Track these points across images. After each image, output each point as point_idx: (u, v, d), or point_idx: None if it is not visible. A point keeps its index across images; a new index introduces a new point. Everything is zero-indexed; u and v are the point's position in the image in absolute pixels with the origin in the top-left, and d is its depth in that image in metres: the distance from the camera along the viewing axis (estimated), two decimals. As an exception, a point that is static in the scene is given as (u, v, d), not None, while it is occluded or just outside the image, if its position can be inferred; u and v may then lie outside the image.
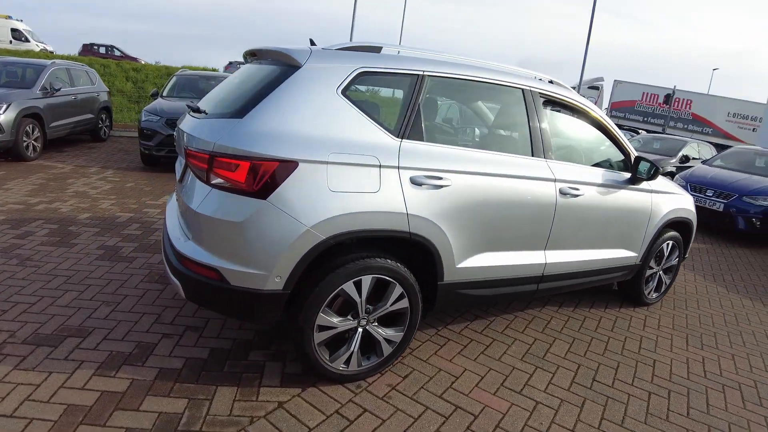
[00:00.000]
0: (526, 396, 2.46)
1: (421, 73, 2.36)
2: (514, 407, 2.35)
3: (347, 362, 2.30)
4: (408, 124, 2.29)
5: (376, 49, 2.44)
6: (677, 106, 25.55)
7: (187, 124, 2.41)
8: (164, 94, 7.74)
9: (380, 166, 2.15)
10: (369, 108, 2.24)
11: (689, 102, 23.63)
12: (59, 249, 3.64)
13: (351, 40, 13.73)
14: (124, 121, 11.67)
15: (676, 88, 23.55)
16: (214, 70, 18.65)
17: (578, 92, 16.38)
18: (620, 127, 16.98)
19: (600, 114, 3.08)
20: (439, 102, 2.45)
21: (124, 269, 3.40)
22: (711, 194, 6.86)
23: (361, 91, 2.33)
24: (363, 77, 2.24)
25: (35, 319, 2.65)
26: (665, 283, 3.91)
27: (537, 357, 2.85)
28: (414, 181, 2.22)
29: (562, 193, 2.77)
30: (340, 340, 2.30)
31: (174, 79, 8.12)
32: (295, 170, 1.99)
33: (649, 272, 3.69)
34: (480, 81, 2.56)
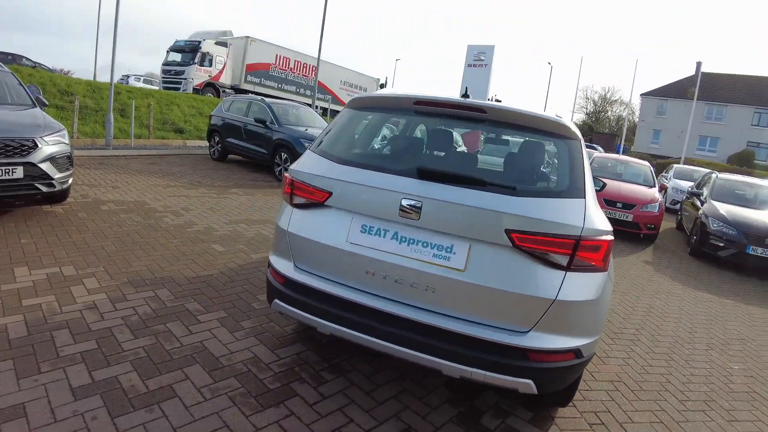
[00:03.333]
0: (617, 357, 3.63)
1: None
2: (626, 368, 3.49)
3: None
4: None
5: None
6: (304, 72, 24.97)
7: (474, 198, 2.08)
8: None
9: None
10: None
11: (314, 68, 22.08)
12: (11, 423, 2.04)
13: (114, 33, 10.57)
14: None
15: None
16: None
17: (202, 48, 21.53)
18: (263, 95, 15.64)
19: None
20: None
21: (188, 416, 2.24)
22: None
23: None
24: None
25: None
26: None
27: (590, 334, 4.08)
28: None
29: None
30: None
31: None
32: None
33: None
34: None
